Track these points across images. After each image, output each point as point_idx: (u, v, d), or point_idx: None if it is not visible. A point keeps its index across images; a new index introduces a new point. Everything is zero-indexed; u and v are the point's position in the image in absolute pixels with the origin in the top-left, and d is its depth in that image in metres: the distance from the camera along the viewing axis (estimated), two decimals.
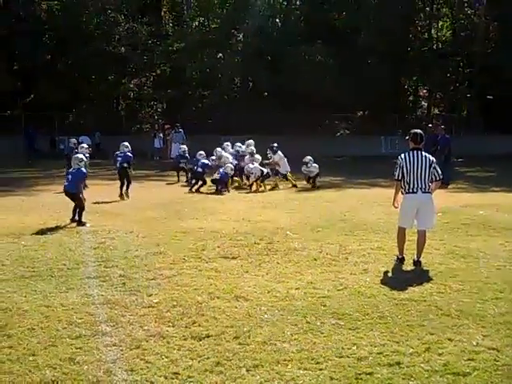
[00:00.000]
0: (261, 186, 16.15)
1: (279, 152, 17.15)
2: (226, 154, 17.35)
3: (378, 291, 6.29)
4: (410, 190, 7.41)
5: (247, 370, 4.40)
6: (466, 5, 36.71)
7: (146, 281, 6.73)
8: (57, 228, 10.12)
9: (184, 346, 4.85)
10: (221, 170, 15.87)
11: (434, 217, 7.77)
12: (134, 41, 33.83)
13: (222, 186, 15.65)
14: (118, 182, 14.43)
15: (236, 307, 5.80)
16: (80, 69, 33.17)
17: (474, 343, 4.85)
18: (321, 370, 4.40)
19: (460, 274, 6.94)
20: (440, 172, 7.53)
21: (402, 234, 7.64)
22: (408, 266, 7.42)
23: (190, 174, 17.21)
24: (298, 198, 14.58)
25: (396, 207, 7.72)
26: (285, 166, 17.04)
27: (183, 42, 34.29)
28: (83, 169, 11.18)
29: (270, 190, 16.44)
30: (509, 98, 30.80)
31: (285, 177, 17.10)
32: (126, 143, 14.83)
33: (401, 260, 7.56)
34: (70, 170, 11.08)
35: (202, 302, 5.93)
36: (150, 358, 4.61)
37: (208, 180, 16.10)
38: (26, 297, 6.14)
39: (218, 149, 17.59)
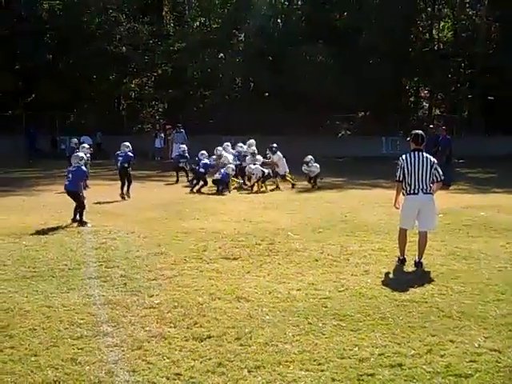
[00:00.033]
0: (262, 187, 16.15)
1: (278, 152, 17.19)
2: (226, 153, 17.35)
3: (379, 292, 6.29)
4: (412, 191, 7.40)
5: (249, 371, 4.40)
6: (467, 5, 36.69)
7: (148, 281, 6.74)
8: (58, 228, 10.12)
9: (186, 346, 4.86)
10: (222, 171, 15.86)
11: (436, 218, 7.77)
12: (135, 40, 33.86)
13: (223, 186, 15.65)
14: (119, 182, 14.45)
15: (237, 308, 5.80)
16: (81, 68, 33.25)
17: (476, 345, 4.85)
18: (322, 371, 4.41)
19: (461, 276, 6.93)
20: (441, 173, 7.52)
21: (403, 235, 7.64)
22: (409, 267, 7.42)
23: (192, 175, 17.15)
24: (299, 199, 14.58)
25: (397, 208, 7.72)
26: (283, 167, 17.06)
27: (184, 41, 34.31)
28: (83, 167, 11.19)
29: (271, 190, 16.44)
30: (510, 99, 30.74)
31: (283, 177, 17.12)
32: (127, 143, 14.82)
33: (402, 261, 7.55)
34: (70, 169, 11.02)
35: (204, 303, 5.93)
36: (151, 358, 4.62)
37: (209, 180, 16.09)
38: (27, 297, 6.15)
39: (219, 148, 17.57)
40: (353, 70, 31.04)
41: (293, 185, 17.00)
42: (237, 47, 36.19)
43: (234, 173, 16.43)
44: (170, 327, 5.28)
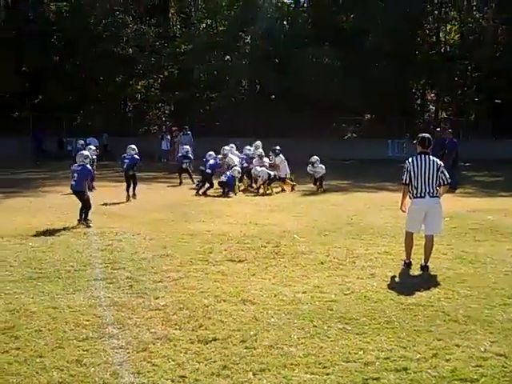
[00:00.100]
0: (268, 189, 16.15)
1: (281, 155, 17.23)
2: (231, 155, 17.36)
3: (385, 296, 6.27)
4: (418, 195, 7.38)
5: (254, 374, 4.40)
6: (474, 8, 36.60)
7: (153, 283, 6.75)
8: (64, 229, 10.15)
9: (191, 349, 4.86)
10: (228, 173, 15.87)
11: (442, 222, 7.74)
12: (142, 42, 33.96)
13: (228, 188, 15.66)
14: (125, 184, 14.48)
15: (243, 311, 5.80)
16: (88, 70, 33.35)
17: (482, 349, 4.83)
18: (328, 374, 4.40)
19: (468, 280, 6.91)
20: (448, 176, 7.48)
21: (409, 238, 7.62)
22: (415, 270, 7.40)
23: (200, 176, 17.08)
24: (304, 202, 14.57)
25: (403, 211, 7.69)
26: (284, 170, 17.08)
27: (191, 43, 34.37)
28: (88, 165, 11.19)
29: (276, 193, 16.43)
30: None
31: (283, 180, 17.10)
32: (133, 146, 14.82)
33: (408, 265, 7.53)
34: (75, 168, 10.93)
35: (209, 305, 5.93)
36: (156, 360, 4.62)
37: (215, 182, 16.09)
38: (33, 298, 6.17)
39: (226, 147, 17.57)
40: (359, 72, 31.00)
41: (292, 187, 17.00)
42: (243, 49, 36.20)
43: (240, 175, 16.43)
44: (175, 329, 5.29)
